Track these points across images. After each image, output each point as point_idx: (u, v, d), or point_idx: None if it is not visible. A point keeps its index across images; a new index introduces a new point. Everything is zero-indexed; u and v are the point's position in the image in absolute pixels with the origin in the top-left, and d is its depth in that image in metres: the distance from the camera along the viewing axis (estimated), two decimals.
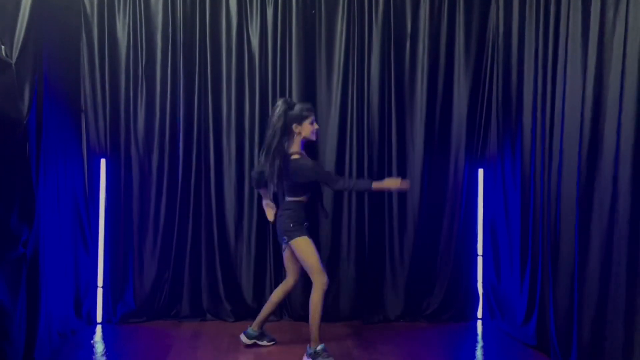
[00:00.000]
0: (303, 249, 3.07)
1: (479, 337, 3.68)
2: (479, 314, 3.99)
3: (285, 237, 3.10)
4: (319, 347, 3.05)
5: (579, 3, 2.83)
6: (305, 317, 3.77)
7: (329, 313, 3.85)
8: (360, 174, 3.88)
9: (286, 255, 3.23)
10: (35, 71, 2.85)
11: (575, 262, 2.78)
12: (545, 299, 3.19)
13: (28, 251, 2.78)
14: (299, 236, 3.07)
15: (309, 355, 3.07)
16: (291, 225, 3.08)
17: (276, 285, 3.85)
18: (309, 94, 3.86)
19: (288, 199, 3.13)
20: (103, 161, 3.78)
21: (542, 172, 3.23)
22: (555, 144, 3.06)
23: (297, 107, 3.09)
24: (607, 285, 2.60)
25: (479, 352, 3.38)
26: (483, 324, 3.91)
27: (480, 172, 3.99)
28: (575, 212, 2.78)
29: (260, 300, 3.89)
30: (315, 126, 3.13)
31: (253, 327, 3.33)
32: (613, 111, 2.59)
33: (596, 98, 2.66)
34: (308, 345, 3.10)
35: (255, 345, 3.35)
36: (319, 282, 3.05)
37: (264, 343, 3.36)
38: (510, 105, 3.66)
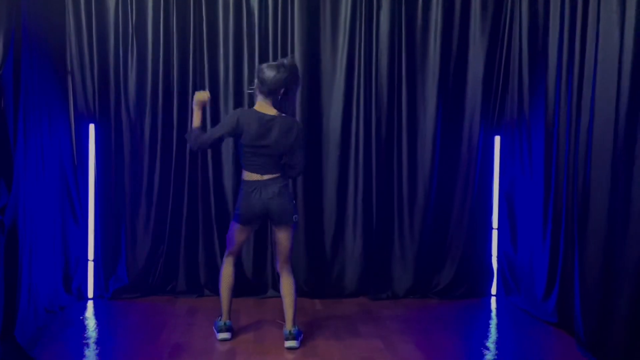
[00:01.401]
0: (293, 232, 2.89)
1: (493, 314, 3.49)
2: (493, 290, 3.79)
3: (296, 216, 2.84)
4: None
5: None
6: (308, 293, 3.64)
7: (334, 289, 3.66)
8: (367, 141, 3.66)
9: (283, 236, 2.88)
10: (12, 18, 2.60)
11: (607, 230, 2.54)
12: (568, 272, 2.96)
13: (6, 219, 2.56)
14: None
15: (298, 337, 2.86)
16: (294, 202, 2.89)
17: None
18: (313, 55, 3.62)
19: (275, 175, 2.81)
20: (92, 126, 3.57)
21: (567, 134, 3.00)
22: (585, 103, 2.79)
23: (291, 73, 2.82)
24: None
25: (493, 330, 3.19)
26: (497, 301, 3.71)
27: (497, 139, 3.75)
28: (609, 173, 2.53)
29: (261, 275, 3.69)
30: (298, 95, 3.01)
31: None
32: None
33: (637, 47, 2.38)
34: (292, 329, 2.85)
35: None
36: (290, 266, 2.90)
37: None
38: (533, 65, 3.39)
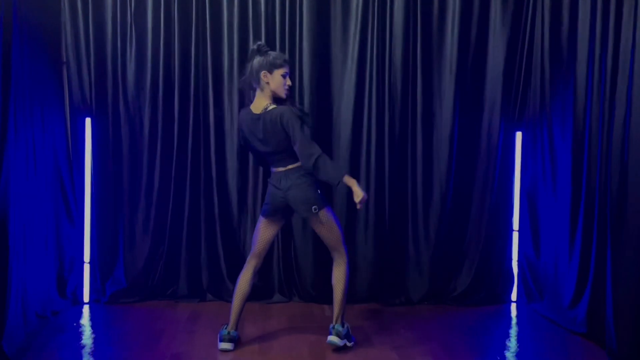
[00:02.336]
0: (330, 219, 2.69)
1: (514, 323, 3.28)
2: (514, 296, 3.58)
3: (315, 207, 2.63)
4: (347, 327, 2.75)
5: None
6: (317, 298, 3.45)
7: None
8: (380, 137, 3.46)
9: (315, 228, 2.72)
10: (0, 6, 2.44)
11: None
12: (600, 278, 2.74)
13: None
14: (325, 205, 2.69)
15: (342, 335, 2.70)
16: (319, 191, 2.67)
17: (285, 264, 3.52)
18: (322, 45, 3.43)
19: (291, 166, 2.65)
20: (88, 120, 3.41)
21: (599, 128, 2.77)
22: (620, 95, 2.57)
23: (271, 54, 2.65)
24: None
25: (514, 340, 2.97)
26: (518, 308, 3.50)
27: (518, 135, 3.54)
28: None
29: (267, 279, 3.50)
30: (288, 82, 2.67)
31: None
32: None
33: None
34: (336, 325, 2.71)
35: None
36: (344, 254, 2.75)
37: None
38: (559, 55, 3.18)
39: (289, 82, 2.69)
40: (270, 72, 2.63)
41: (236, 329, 2.75)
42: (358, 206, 2.57)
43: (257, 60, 2.63)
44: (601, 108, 2.78)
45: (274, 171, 2.70)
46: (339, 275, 2.73)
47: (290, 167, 2.65)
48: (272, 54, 2.67)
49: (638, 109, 2.45)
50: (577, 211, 2.98)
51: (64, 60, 3.34)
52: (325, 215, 2.66)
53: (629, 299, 2.48)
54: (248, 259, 2.79)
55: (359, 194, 2.53)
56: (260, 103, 2.65)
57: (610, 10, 2.69)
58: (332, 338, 2.69)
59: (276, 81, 2.64)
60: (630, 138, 2.48)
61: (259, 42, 2.70)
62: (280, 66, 2.64)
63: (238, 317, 2.75)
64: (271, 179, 2.73)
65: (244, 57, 3.40)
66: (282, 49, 3.41)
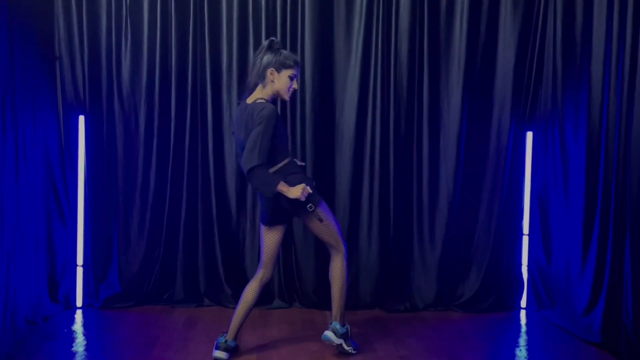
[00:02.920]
0: (327, 215, 2.59)
1: (524, 331, 3.16)
2: (523, 303, 3.46)
3: (310, 204, 2.50)
4: (347, 328, 2.66)
5: None
6: (317, 304, 3.35)
7: (347, 299, 3.33)
8: (384, 137, 3.36)
9: (314, 226, 2.59)
10: None
11: None
12: (616, 285, 2.62)
13: None
14: (319, 200, 2.58)
15: (338, 334, 2.60)
16: (310, 190, 2.52)
17: (285, 269, 3.43)
18: (326, 41, 3.32)
19: (273, 168, 2.51)
20: (81, 118, 3.32)
21: (617, 129, 2.65)
22: (639, 94, 2.45)
23: (283, 53, 2.55)
24: None
25: (524, 350, 2.85)
26: (528, 315, 3.38)
27: (529, 135, 3.42)
28: None
29: (267, 284, 3.34)
30: (295, 85, 2.58)
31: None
32: None
33: None
34: (334, 322, 2.62)
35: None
36: (343, 249, 2.65)
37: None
38: (573, 53, 3.06)
39: (295, 85, 2.59)
40: (279, 71, 2.52)
41: (235, 339, 2.63)
42: (308, 205, 2.48)
43: (267, 56, 2.52)
44: (618, 108, 2.66)
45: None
46: (336, 271, 2.62)
47: (272, 169, 2.50)
48: (284, 52, 2.56)
49: None
50: (593, 215, 2.86)
51: (57, 55, 3.26)
52: (321, 212, 2.55)
53: None
54: (257, 269, 2.69)
55: (293, 193, 2.41)
56: (255, 95, 2.55)
57: (629, 3, 2.57)
58: (328, 333, 2.59)
59: (282, 81, 2.54)
60: None
61: (272, 38, 2.60)
62: (289, 67, 2.53)
63: (239, 328, 2.62)
64: None
65: (244, 53, 3.35)
66: (283, 45, 3.27)
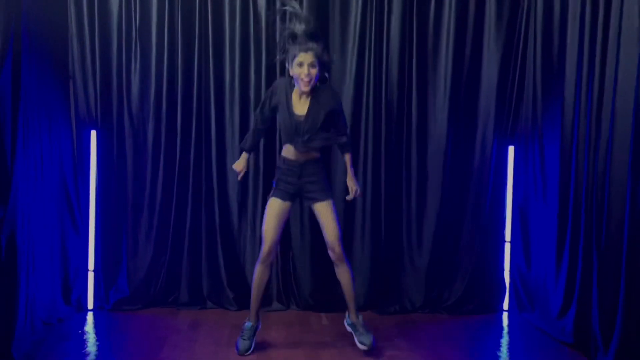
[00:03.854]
0: (332, 211, 2.84)
1: (505, 332, 3.36)
2: (505, 306, 3.66)
3: (323, 194, 2.81)
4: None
5: None
6: (314, 307, 3.54)
7: (341, 302, 3.53)
8: (376, 149, 3.54)
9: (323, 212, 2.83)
10: (11, 19, 2.52)
11: (628, 248, 2.43)
12: (586, 290, 2.84)
13: (3, 234, 2.46)
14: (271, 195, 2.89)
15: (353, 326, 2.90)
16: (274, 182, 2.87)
17: (283, 272, 3.60)
18: None
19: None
20: (93, 132, 3.47)
21: (586, 147, 2.87)
22: (605, 115, 2.68)
23: (297, 42, 2.65)
24: None
25: (505, 350, 3.06)
26: (510, 317, 3.58)
27: (511, 149, 3.62)
28: (627, 190, 2.42)
29: (266, 287, 3.56)
30: (304, 71, 2.56)
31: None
32: None
33: None
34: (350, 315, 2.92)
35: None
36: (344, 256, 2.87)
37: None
38: (550, 74, 3.28)
39: (297, 72, 2.57)
40: (290, 64, 2.67)
41: (254, 320, 2.89)
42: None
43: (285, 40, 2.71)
44: (588, 127, 2.87)
45: None
46: (346, 272, 2.86)
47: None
48: (298, 40, 2.62)
49: (620, 128, 2.54)
50: (565, 226, 3.07)
51: (71, 74, 3.40)
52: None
53: (613, 312, 2.56)
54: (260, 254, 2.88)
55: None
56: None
57: (598, 33, 2.78)
58: (365, 339, 2.80)
59: (294, 71, 2.63)
60: (612, 158, 2.58)
61: (307, 18, 2.70)
62: (293, 56, 2.59)
63: (256, 310, 2.89)
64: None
65: (245, 71, 3.51)
66: (283, 66, 3.48)
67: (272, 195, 2.86)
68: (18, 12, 2.63)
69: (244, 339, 2.84)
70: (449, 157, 3.55)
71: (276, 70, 3.50)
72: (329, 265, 3.52)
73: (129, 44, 3.43)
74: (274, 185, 2.89)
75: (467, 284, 3.59)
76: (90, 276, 3.50)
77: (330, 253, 2.86)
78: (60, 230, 3.29)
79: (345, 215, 3.56)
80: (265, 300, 3.55)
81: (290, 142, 2.79)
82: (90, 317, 3.39)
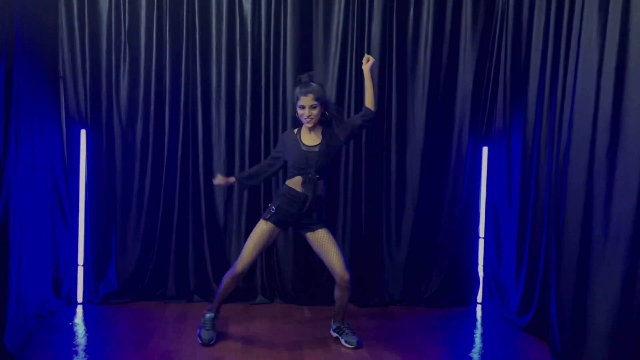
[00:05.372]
0: (331, 237, 2.97)
1: (479, 324, 3.54)
2: (479, 298, 3.84)
3: (318, 224, 2.96)
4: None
5: None
6: (297, 300, 3.68)
7: (323, 295, 3.69)
8: (357, 150, 3.68)
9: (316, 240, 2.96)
10: (4, 22, 2.61)
11: (580, 244, 2.62)
12: (546, 285, 3.02)
13: None
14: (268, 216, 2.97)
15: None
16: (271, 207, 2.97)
17: (267, 267, 3.73)
18: (305, 64, 3.62)
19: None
20: (83, 132, 3.56)
21: (549, 150, 3.03)
22: (565, 119, 2.85)
23: (296, 89, 2.94)
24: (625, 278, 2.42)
25: (477, 340, 3.24)
26: (483, 309, 3.77)
27: (485, 150, 3.79)
28: (584, 193, 2.60)
29: (251, 282, 3.72)
30: (300, 112, 2.87)
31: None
32: (637, 84, 2.37)
33: (619, 70, 2.44)
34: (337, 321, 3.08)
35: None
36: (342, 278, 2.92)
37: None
38: (517, 79, 3.45)
39: (300, 112, 2.85)
40: (295, 104, 2.90)
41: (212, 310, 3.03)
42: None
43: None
44: (551, 132, 3.03)
45: None
46: (345, 296, 2.97)
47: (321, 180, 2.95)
48: (297, 89, 2.89)
49: (577, 133, 2.69)
50: (526, 226, 3.24)
51: (61, 75, 3.48)
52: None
53: (569, 306, 2.75)
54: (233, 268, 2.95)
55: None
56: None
57: (562, 40, 2.94)
58: (351, 339, 2.99)
59: (298, 112, 2.89)
60: (570, 162, 2.74)
61: (300, 76, 2.94)
62: (296, 99, 2.87)
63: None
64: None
65: (231, 74, 3.61)
66: (267, 68, 3.61)
67: (267, 219, 2.90)
68: (11, 15, 2.71)
69: (207, 329, 2.98)
70: (426, 157, 3.70)
71: (260, 73, 3.61)
72: (312, 259, 3.70)
73: (118, 45, 3.52)
74: (271, 210, 2.91)
75: (443, 278, 3.75)
76: (80, 271, 3.60)
77: (340, 281, 2.89)
78: (51, 226, 3.38)
79: (327, 211, 3.66)
80: (250, 293, 3.70)
81: (301, 173, 2.89)
82: (80, 310, 3.50)
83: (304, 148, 2.88)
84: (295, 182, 2.91)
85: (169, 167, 3.61)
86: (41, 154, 3.24)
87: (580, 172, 2.63)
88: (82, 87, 3.52)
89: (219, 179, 3.06)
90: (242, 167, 3.66)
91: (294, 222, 2.95)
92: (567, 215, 2.73)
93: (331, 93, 3.65)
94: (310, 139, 2.92)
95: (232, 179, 3.06)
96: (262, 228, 2.91)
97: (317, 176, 2.87)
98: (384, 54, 3.63)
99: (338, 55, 3.62)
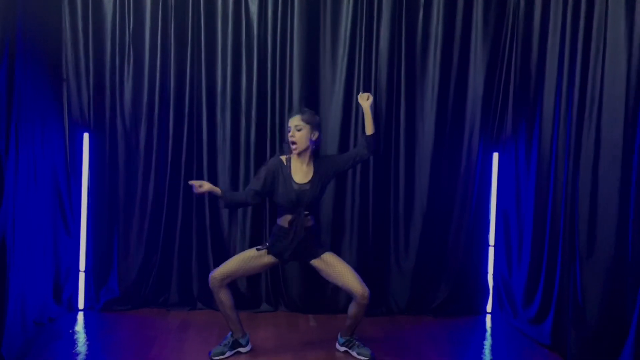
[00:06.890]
0: (338, 258, 2.90)
1: (488, 334, 3.44)
2: (489, 308, 3.75)
3: (320, 249, 2.87)
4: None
5: None
6: (302, 308, 3.61)
7: (329, 304, 3.62)
8: None
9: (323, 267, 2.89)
10: (7, 23, 2.56)
11: (610, 258, 2.52)
12: (564, 295, 2.92)
13: None
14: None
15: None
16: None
17: (272, 275, 3.66)
18: (312, 68, 3.58)
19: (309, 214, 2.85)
20: (86, 135, 3.52)
21: (566, 159, 2.93)
22: (587, 125, 2.76)
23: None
24: None
25: (487, 352, 3.14)
26: (492, 319, 3.67)
27: (495, 156, 3.71)
28: (617, 204, 2.51)
29: (256, 289, 3.64)
30: (291, 133, 2.78)
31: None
32: None
33: None
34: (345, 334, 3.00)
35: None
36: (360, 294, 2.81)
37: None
38: (528, 84, 3.37)
39: (291, 134, 2.78)
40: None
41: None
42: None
43: None
44: (567, 136, 2.93)
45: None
46: (359, 312, 2.86)
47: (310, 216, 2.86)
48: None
49: (607, 143, 2.60)
50: (543, 234, 3.14)
51: (64, 77, 3.45)
52: (333, 254, 2.90)
53: (590, 318, 2.65)
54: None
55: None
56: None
57: (578, 44, 2.86)
58: (364, 351, 2.90)
59: (288, 140, 2.83)
60: (600, 168, 2.65)
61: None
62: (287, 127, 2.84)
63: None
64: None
65: (237, 78, 3.56)
66: (274, 71, 3.55)
67: (260, 249, 2.85)
68: (13, 17, 2.67)
69: (221, 345, 2.89)
70: (435, 163, 3.63)
71: (266, 76, 3.56)
72: None
73: (122, 48, 3.48)
74: (266, 244, 2.87)
75: (452, 287, 3.67)
76: (81, 277, 3.55)
77: (360, 299, 2.79)
78: (52, 231, 3.33)
79: (334, 219, 3.63)
80: (255, 301, 3.63)
81: (291, 212, 2.81)
82: (80, 317, 3.44)
83: (295, 187, 2.77)
84: (285, 220, 2.84)
85: (172, 172, 3.56)
86: (43, 157, 3.20)
87: (612, 180, 2.55)
88: (85, 90, 3.48)
89: (204, 185, 2.76)
90: (247, 173, 3.60)
91: (292, 255, 2.87)
92: (598, 226, 2.63)
93: (338, 97, 3.60)
94: (301, 174, 2.81)
95: (217, 190, 2.79)
96: (252, 253, 2.85)
97: (306, 212, 2.81)
98: (392, 57, 3.57)
99: (346, 58, 3.57)
